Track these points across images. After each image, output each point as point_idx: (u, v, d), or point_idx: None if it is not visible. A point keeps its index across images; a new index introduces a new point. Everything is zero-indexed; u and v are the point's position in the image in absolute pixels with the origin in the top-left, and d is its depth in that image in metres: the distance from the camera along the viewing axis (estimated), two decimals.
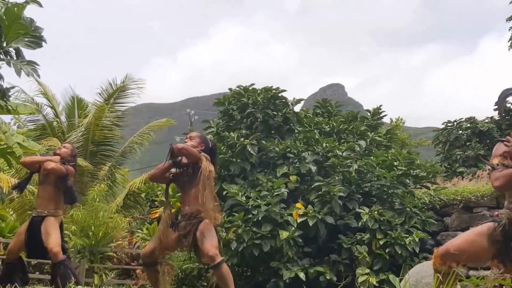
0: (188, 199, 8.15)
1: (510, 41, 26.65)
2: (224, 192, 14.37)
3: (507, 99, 5.77)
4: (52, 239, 9.25)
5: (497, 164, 5.63)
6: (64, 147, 10.20)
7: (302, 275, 13.69)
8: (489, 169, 5.78)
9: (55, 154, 9.97)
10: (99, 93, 23.62)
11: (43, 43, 12.10)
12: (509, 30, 26.65)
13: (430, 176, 16.02)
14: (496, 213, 5.74)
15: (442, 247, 5.55)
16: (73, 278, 8.89)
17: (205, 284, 15.24)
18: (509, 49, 26.61)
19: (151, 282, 8.43)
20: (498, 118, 24.60)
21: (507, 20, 26.84)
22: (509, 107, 25.68)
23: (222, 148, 15.16)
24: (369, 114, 18.84)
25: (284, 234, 13.86)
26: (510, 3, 26.14)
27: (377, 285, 13.16)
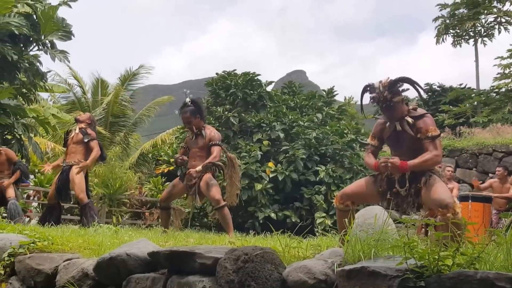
0: (194, 157, 8.21)
1: (436, 37, 27.11)
2: None
3: (365, 94, 5.48)
4: (77, 186, 9.16)
5: (367, 144, 5.51)
6: (80, 116, 9.74)
7: (273, 215, 14.08)
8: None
9: (77, 120, 9.55)
10: (119, 78, 24.27)
11: (72, 37, 12.17)
12: (435, 28, 27.15)
13: None
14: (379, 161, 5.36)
15: (341, 190, 5.45)
16: (96, 218, 8.89)
17: (197, 224, 15.41)
18: (436, 44, 27.17)
19: (163, 222, 8.46)
20: (421, 98, 24.60)
21: (433, 21, 27.42)
22: (434, 87, 25.95)
23: (211, 119, 15.32)
24: (324, 93, 19.05)
25: (258, 186, 14.12)
26: (436, 5, 26.82)
27: (331, 225, 13.37)
